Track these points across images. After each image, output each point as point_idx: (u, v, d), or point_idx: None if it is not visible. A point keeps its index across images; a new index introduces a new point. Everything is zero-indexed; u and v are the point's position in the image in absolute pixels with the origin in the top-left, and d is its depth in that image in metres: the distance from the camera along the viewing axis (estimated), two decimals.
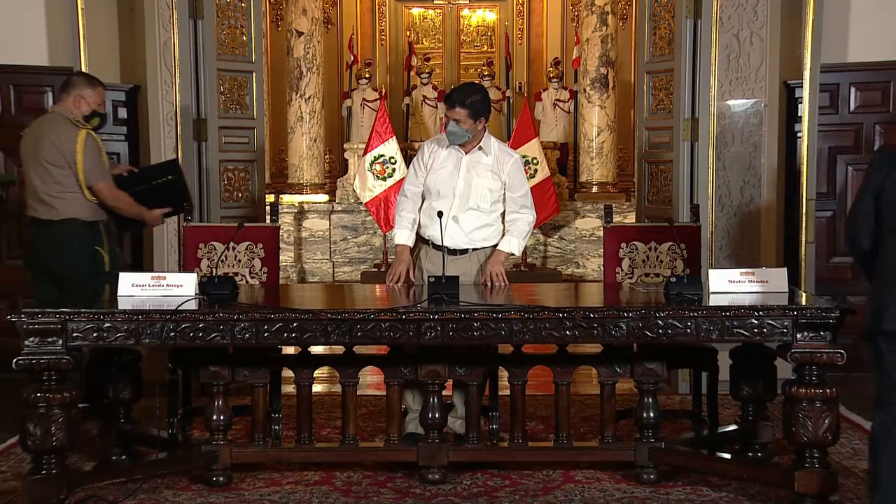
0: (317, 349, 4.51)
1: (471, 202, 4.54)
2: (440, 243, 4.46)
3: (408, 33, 12.96)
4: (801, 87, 5.47)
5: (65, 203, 4.72)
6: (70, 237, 4.70)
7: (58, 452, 3.67)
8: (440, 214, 4.39)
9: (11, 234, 5.95)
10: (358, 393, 4.25)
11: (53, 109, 4.90)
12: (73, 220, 4.72)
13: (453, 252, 4.52)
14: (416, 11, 13.03)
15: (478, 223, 4.57)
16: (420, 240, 4.65)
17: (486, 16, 13.06)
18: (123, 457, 4.28)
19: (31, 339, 3.61)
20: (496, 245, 4.61)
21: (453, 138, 4.51)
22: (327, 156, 11.82)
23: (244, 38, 6.01)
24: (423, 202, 4.64)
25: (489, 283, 4.47)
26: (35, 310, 3.66)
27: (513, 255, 4.72)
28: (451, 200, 4.53)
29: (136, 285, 4.00)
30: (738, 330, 3.72)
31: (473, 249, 4.59)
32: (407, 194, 4.65)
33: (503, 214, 4.63)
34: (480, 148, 4.56)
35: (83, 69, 5.31)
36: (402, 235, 4.62)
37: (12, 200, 5.92)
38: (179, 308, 3.71)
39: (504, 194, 4.59)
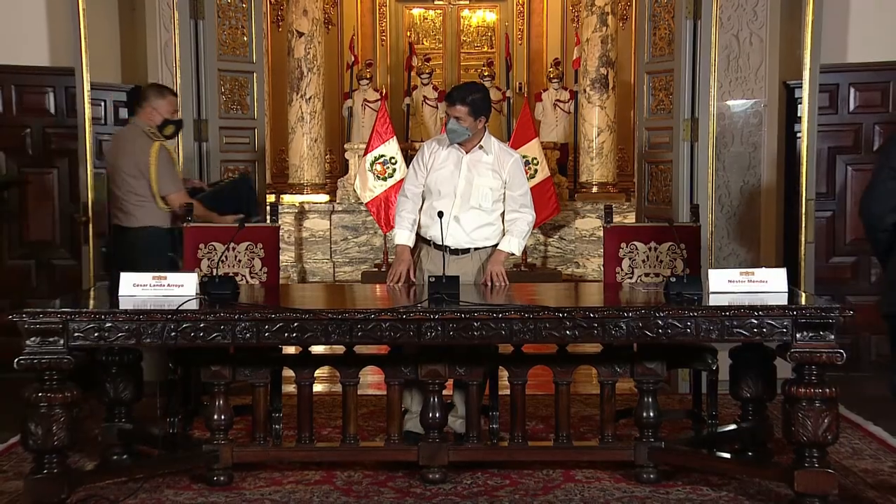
0: (317, 349, 4.51)
1: (472, 201, 4.54)
2: (440, 243, 4.47)
3: (408, 34, 12.96)
4: (801, 87, 5.46)
5: (142, 211, 5.08)
6: (147, 244, 5.04)
7: (59, 452, 3.67)
8: (440, 214, 4.39)
9: (13, 234, 5.95)
10: (358, 392, 4.25)
11: (131, 121, 5.26)
12: (150, 227, 5.10)
13: (455, 252, 4.52)
14: (417, 12, 13.03)
15: (479, 222, 4.57)
16: (421, 240, 4.65)
17: (487, 16, 13.07)
18: (125, 456, 4.28)
19: (32, 338, 3.61)
20: (497, 245, 4.61)
21: (454, 136, 4.51)
22: (328, 156, 11.82)
23: (245, 38, 6.02)
24: (423, 203, 4.64)
25: (490, 283, 4.47)
26: (36, 309, 3.67)
27: (513, 254, 4.72)
28: (452, 200, 4.53)
29: (138, 285, 4.00)
30: (738, 330, 3.71)
31: (475, 249, 4.59)
32: (407, 194, 4.65)
33: (503, 214, 4.64)
34: (481, 147, 4.57)
35: (84, 69, 5.31)
36: (403, 235, 4.62)
37: (12, 201, 5.92)
38: (180, 308, 3.71)
39: (504, 194, 4.60)
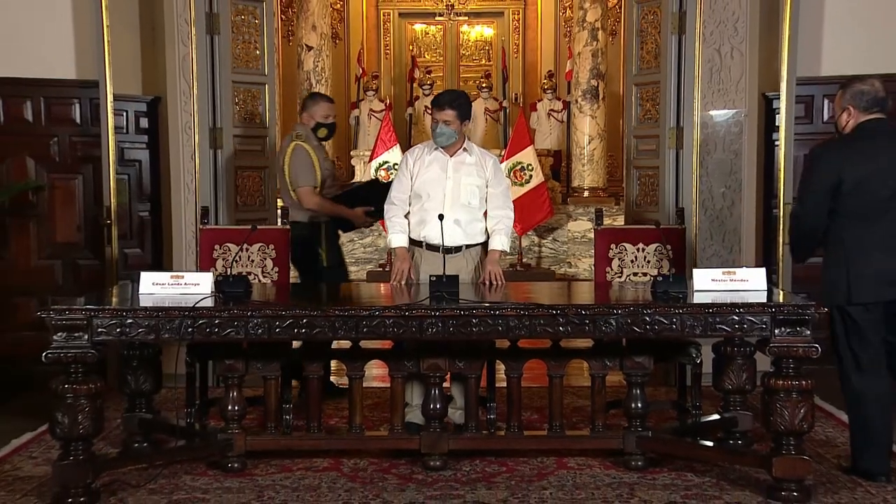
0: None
1: (462, 200, 4.55)
2: (434, 243, 4.48)
3: (411, 48, 12.97)
4: (779, 98, 5.47)
5: (293, 207, 5.22)
6: (296, 237, 5.10)
7: (84, 440, 3.69)
8: (441, 217, 4.40)
9: (41, 235, 5.96)
10: (364, 385, 4.26)
11: (293, 127, 5.46)
12: (299, 222, 5.20)
13: (448, 250, 4.52)
14: (419, 27, 13.03)
15: (469, 220, 4.58)
16: (412, 243, 4.64)
17: (484, 31, 13.08)
18: (145, 444, 4.30)
19: (59, 334, 3.63)
20: (484, 242, 4.62)
21: (442, 139, 4.52)
22: (335, 162, 11.83)
23: (257, 52, 6.02)
24: (409, 208, 4.63)
25: (488, 283, 4.48)
26: (63, 307, 3.68)
27: (505, 252, 4.72)
28: (441, 200, 4.53)
29: (157, 284, 4.01)
30: (721, 326, 3.72)
31: (466, 247, 4.60)
32: (395, 201, 4.63)
33: (485, 213, 4.65)
34: (465, 149, 4.59)
35: (108, 82, 5.33)
36: (399, 238, 4.61)
37: (42, 204, 5.94)
38: (196, 305, 3.72)
39: (486, 192, 4.61)
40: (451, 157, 4.58)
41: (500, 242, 4.60)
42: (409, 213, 4.63)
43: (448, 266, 4.35)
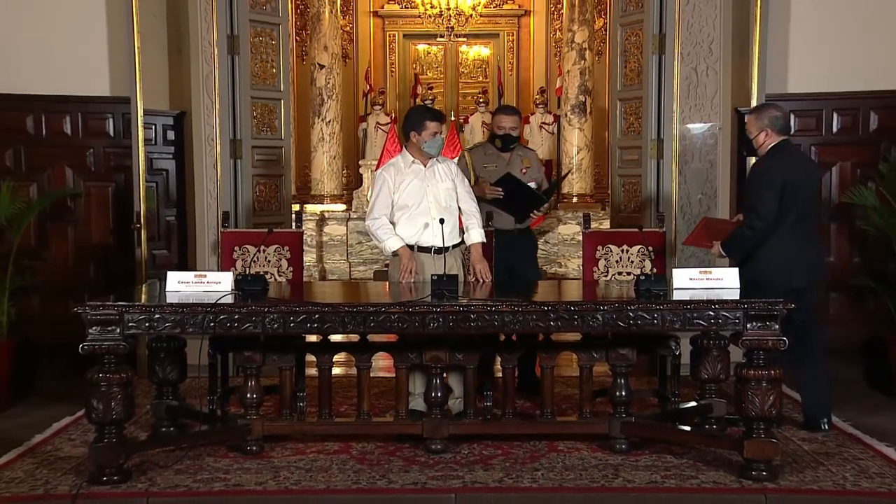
0: (336, 337, 4.52)
1: (443, 203, 4.56)
2: (427, 245, 4.49)
3: (414, 66, 12.96)
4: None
5: None
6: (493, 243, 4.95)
7: (117, 424, 3.70)
8: (442, 221, 4.40)
9: (78, 238, 5.97)
10: (371, 375, 4.26)
11: None
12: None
13: (439, 251, 4.51)
14: (422, 47, 13.03)
15: (451, 222, 4.58)
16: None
17: (482, 51, 13.07)
18: (171, 429, 4.30)
19: (93, 328, 3.63)
20: (461, 241, 4.63)
21: (439, 148, 4.57)
22: (345, 171, 11.81)
23: (274, 70, 6.02)
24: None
25: (478, 279, 4.48)
26: (97, 303, 3.68)
27: (483, 242, 4.68)
28: (427, 207, 4.52)
29: (182, 282, 4.01)
30: (698, 321, 3.73)
31: (453, 246, 4.60)
32: (377, 215, 4.55)
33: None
34: (436, 159, 4.60)
35: (138, 99, 5.36)
36: (396, 241, 4.51)
37: (78, 210, 5.95)
38: (218, 302, 3.73)
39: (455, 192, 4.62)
40: (425, 166, 4.57)
41: (479, 234, 4.62)
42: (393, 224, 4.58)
43: (438, 264, 4.36)
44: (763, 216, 4.18)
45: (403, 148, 4.72)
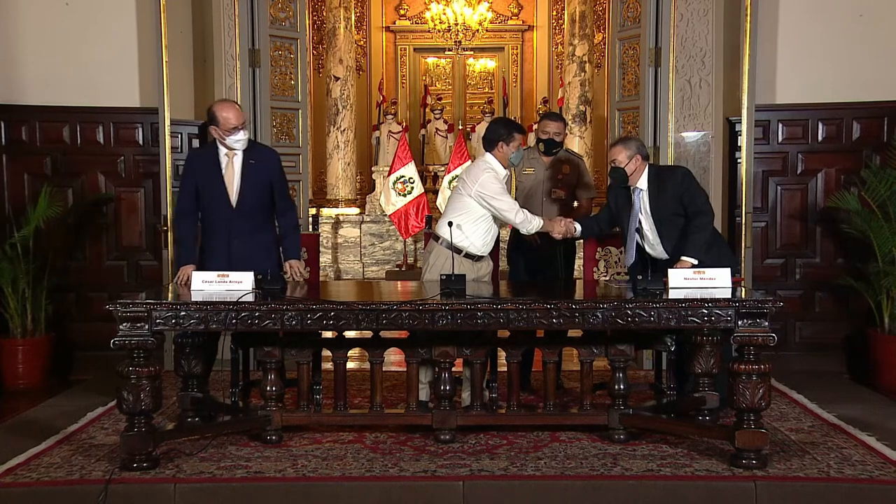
0: (350, 333, 4.52)
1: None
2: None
3: (424, 78, 12.96)
4: (740, 122, 5.45)
5: None
6: None
7: (146, 414, 3.71)
8: (451, 224, 4.40)
9: (109, 240, 5.99)
10: (383, 369, 4.26)
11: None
12: None
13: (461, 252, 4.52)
14: (431, 60, 13.03)
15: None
16: (455, 250, 4.45)
17: (488, 63, 13.06)
18: (197, 419, 4.30)
19: (124, 324, 3.64)
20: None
21: (520, 159, 4.64)
22: (358, 177, 11.83)
23: (292, 82, 6.03)
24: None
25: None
26: (127, 301, 3.69)
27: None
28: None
29: (206, 281, 4.02)
30: (692, 318, 3.71)
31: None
32: (514, 205, 4.53)
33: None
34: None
35: (165, 109, 5.36)
36: (540, 220, 4.60)
37: (110, 214, 5.98)
38: (240, 300, 3.73)
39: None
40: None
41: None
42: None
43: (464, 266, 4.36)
44: (711, 213, 4.33)
45: (488, 155, 4.52)
